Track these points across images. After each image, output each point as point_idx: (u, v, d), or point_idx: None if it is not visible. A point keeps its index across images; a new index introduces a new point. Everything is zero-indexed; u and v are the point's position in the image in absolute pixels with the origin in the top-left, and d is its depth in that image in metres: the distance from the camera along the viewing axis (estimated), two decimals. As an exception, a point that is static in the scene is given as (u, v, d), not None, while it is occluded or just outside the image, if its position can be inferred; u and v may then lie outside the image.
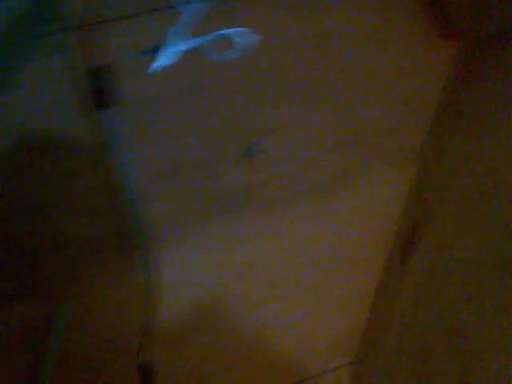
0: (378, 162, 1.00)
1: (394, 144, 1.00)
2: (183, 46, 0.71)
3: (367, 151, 0.98)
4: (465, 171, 0.96)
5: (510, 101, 0.84)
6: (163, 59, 0.70)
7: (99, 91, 0.64)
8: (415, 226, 1.03)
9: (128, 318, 0.82)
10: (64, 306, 0.76)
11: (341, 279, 1.08)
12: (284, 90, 0.87)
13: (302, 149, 0.93)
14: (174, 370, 0.93)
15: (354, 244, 1.07)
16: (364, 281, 1.09)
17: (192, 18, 0.70)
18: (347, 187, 1.01)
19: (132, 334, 0.82)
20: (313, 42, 0.85)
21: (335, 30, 0.84)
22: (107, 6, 0.66)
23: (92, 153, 0.73)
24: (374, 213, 1.05)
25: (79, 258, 0.79)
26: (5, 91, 0.66)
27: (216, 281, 0.94)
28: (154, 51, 0.68)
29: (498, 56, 0.86)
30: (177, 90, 0.75)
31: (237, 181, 0.89)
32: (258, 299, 1.03)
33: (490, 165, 0.87)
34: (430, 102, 0.98)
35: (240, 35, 0.75)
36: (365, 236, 1.07)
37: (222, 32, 0.73)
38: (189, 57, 0.74)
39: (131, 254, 0.84)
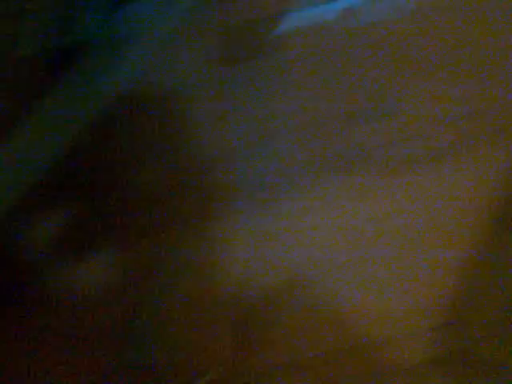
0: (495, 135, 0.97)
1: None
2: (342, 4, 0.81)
3: (489, 123, 0.96)
4: None
5: None
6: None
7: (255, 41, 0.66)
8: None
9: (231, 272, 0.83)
10: (181, 248, 0.80)
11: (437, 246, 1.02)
12: (426, 57, 0.88)
13: (430, 116, 0.91)
14: (265, 329, 0.91)
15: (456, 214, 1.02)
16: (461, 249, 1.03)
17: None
18: (464, 156, 0.98)
19: (231, 288, 0.82)
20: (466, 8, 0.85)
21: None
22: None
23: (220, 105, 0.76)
24: (480, 184, 1.01)
25: (206, 204, 0.81)
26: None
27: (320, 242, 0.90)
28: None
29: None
30: (327, 47, 0.81)
31: (360, 141, 0.88)
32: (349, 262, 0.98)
33: None
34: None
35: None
36: (468, 207, 1.01)
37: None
38: (345, 15, 0.82)
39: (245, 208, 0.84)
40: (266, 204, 0.81)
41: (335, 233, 0.84)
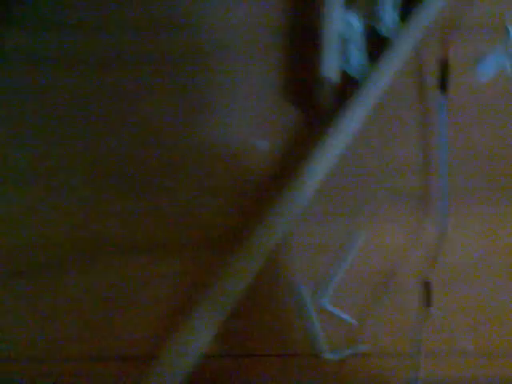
0: None
1: None
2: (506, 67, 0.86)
3: None
4: None
5: None
6: (486, 71, 0.85)
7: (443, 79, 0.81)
8: None
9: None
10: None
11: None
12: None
13: None
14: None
15: None
16: None
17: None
18: None
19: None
20: None
21: None
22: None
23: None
24: None
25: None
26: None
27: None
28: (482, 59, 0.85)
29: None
30: (492, 98, 0.85)
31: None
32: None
33: None
34: None
35: None
36: None
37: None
38: (503, 77, 0.86)
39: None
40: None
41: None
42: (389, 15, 0.73)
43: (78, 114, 0.82)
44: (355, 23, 0.70)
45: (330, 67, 0.69)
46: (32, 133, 0.82)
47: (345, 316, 0.80)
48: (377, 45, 0.77)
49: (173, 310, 0.78)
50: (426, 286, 0.75)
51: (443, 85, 0.79)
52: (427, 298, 0.75)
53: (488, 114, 0.85)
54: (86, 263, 0.79)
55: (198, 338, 0.72)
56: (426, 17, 0.77)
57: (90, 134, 0.82)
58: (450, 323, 0.81)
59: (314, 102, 0.80)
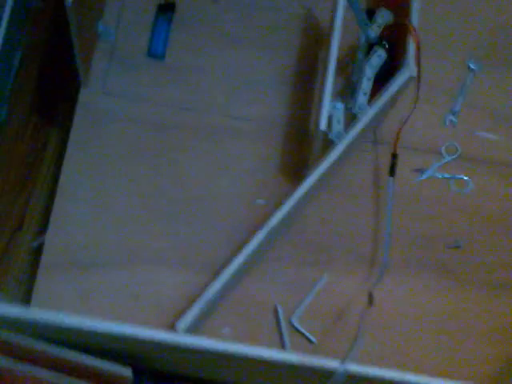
0: None
1: None
2: (437, 175, 1.18)
3: None
4: None
5: None
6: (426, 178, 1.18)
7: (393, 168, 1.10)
8: None
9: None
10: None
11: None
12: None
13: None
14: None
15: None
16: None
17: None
18: None
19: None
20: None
21: None
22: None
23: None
24: None
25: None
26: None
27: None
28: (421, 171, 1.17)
29: None
30: (424, 197, 1.18)
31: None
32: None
33: None
34: None
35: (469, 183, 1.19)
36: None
37: (458, 176, 1.19)
38: (437, 183, 1.18)
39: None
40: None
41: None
42: (360, 102, 1.06)
43: (136, 164, 1.14)
44: (339, 106, 1.03)
45: (324, 125, 0.99)
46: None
47: (307, 334, 1.05)
48: (350, 119, 1.08)
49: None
50: (370, 296, 1.01)
51: (392, 171, 1.10)
52: (370, 301, 1.00)
53: (423, 205, 1.16)
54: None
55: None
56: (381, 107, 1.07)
57: (144, 177, 1.13)
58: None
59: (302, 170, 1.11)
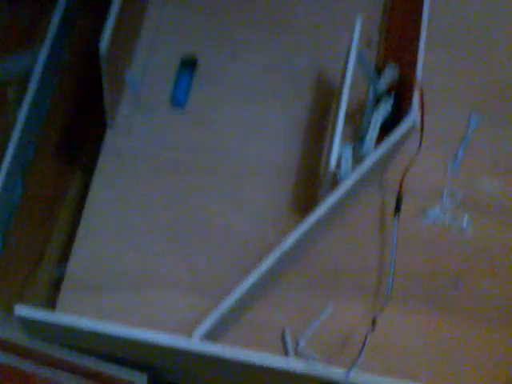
0: None
1: None
2: (439, 218, 1.26)
3: None
4: None
5: None
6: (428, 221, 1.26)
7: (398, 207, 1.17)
8: None
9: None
10: None
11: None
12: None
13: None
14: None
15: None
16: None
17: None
18: None
19: None
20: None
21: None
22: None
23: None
24: None
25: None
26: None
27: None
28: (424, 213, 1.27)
29: None
30: (426, 237, 1.26)
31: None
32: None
33: None
34: None
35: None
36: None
37: (459, 220, 1.27)
38: (438, 225, 1.26)
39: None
40: None
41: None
42: (368, 145, 1.14)
43: (156, 199, 1.23)
44: (348, 148, 1.11)
45: (334, 164, 1.07)
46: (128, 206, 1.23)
47: (314, 358, 1.10)
48: (358, 161, 1.15)
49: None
50: (374, 321, 1.07)
51: (397, 210, 1.18)
52: (373, 325, 1.06)
53: (425, 245, 1.23)
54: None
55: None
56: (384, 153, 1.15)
57: (163, 211, 1.22)
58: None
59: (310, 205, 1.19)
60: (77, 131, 1.42)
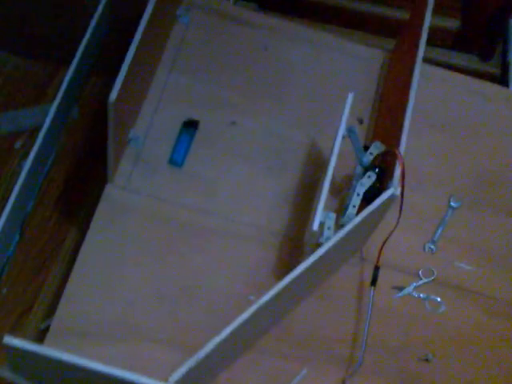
0: None
1: None
2: (414, 294, 1.32)
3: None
4: None
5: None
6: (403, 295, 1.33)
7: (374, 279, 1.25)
8: None
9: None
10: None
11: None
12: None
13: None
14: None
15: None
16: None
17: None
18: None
19: None
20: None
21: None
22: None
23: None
24: None
25: None
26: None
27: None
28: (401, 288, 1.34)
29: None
30: (400, 311, 1.32)
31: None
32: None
33: None
34: None
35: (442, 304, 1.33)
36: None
37: (433, 297, 1.33)
38: (413, 300, 1.32)
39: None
40: None
41: None
42: (350, 212, 1.20)
43: (147, 253, 1.29)
44: (331, 216, 1.18)
45: (317, 226, 1.14)
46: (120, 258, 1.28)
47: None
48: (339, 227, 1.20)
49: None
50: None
51: (374, 281, 1.23)
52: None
53: (400, 318, 1.29)
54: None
55: None
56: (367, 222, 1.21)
57: (153, 265, 1.29)
58: None
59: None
60: (77, 187, 1.50)
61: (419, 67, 1.29)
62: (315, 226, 1.13)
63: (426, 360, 1.26)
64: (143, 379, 0.92)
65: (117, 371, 0.91)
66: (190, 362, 0.99)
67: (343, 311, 1.28)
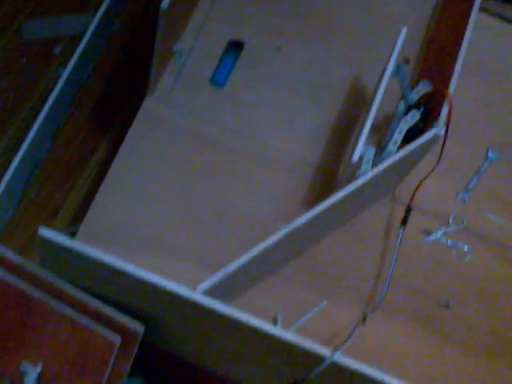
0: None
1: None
2: (442, 240, 1.32)
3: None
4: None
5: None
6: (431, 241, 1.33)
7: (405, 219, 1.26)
8: None
9: None
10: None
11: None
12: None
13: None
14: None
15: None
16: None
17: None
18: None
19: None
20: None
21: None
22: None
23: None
24: None
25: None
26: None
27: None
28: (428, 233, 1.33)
29: None
30: (426, 256, 1.32)
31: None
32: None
33: None
34: None
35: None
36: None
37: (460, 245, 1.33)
38: (440, 246, 1.32)
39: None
40: None
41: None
42: (390, 148, 1.19)
43: (179, 169, 1.29)
44: (371, 150, 1.16)
45: (357, 156, 1.13)
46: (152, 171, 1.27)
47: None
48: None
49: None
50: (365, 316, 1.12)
51: (404, 221, 1.23)
52: (363, 320, 1.12)
53: (424, 262, 1.29)
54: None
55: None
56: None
57: (183, 182, 1.29)
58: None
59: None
60: (113, 100, 1.48)
61: (476, 12, 1.25)
62: (355, 157, 1.12)
63: (446, 306, 1.26)
64: (171, 284, 0.92)
65: (145, 273, 0.92)
66: (219, 275, 0.99)
67: (369, 248, 1.28)
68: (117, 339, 0.98)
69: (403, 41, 1.23)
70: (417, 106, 1.24)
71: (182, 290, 0.92)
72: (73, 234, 1.24)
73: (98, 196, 1.24)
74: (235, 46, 1.39)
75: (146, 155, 1.29)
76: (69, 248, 0.91)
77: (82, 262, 0.93)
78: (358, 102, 1.38)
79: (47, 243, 0.92)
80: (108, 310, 1.00)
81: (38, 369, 0.99)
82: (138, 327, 1.01)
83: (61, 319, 0.98)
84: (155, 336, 1.08)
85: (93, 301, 1.00)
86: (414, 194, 1.22)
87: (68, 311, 0.99)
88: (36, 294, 0.99)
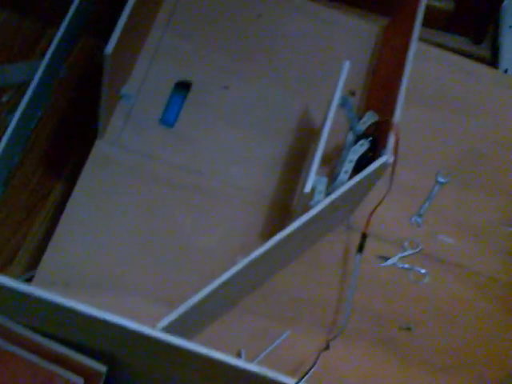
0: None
1: None
2: (398, 265, 1.34)
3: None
4: None
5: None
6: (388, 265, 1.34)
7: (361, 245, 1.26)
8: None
9: None
10: None
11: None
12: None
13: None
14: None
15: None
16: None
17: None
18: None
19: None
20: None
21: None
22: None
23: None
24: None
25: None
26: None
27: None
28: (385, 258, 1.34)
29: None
30: (384, 281, 1.34)
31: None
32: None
33: None
34: None
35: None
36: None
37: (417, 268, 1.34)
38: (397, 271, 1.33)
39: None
40: None
41: None
42: (341, 178, 1.20)
43: (135, 210, 1.29)
44: (323, 180, 1.18)
45: (309, 188, 1.13)
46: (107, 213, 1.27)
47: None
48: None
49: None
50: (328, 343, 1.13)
51: (361, 248, 1.24)
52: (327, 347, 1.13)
53: (383, 287, 1.30)
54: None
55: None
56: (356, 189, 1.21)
57: (141, 222, 1.29)
58: None
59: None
60: (65, 142, 1.48)
61: (415, 43, 1.29)
62: (307, 188, 1.13)
63: (408, 329, 1.28)
64: (131, 323, 0.92)
65: (105, 314, 0.91)
66: (178, 311, 0.99)
67: (328, 276, 1.30)
68: (79, 381, 0.97)
69: (347, 74, 1.25)
70: (365, 135, 1.26)
71: (143, 328, 0.92)
72: (30, 279, 1.23)
73: (53, 238, 1.24)
74: (183, 87, 1.40)
75: (100, 196, 1.29)
76: (25, 293, 0.90)
77: (39, 305, 0.92)
78: (308, 134, 1.40)
79: (3, 290, 0.91)
80: (69, 353, 0.99)
81: (0, 417, 0.97)
82: (100, 368, 1.00)
83: (20, 364, 0.97)
84: (119, 375, 1.07)
85: (53, 344, 0.99)
86: (368, 221, 1.24)
87: (28, 356, 0.98)
88: (-2, 342, 0.98)
